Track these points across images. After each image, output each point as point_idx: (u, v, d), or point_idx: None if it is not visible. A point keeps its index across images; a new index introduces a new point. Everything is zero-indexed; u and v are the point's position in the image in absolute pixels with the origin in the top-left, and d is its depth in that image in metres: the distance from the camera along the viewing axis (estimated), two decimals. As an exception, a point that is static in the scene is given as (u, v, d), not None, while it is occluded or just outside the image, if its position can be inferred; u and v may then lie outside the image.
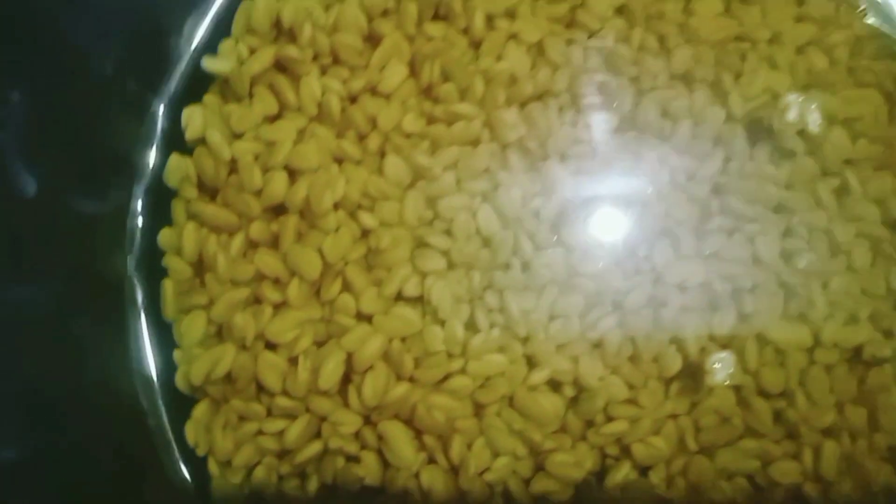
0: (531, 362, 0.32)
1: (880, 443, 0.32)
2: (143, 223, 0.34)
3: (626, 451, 0.32)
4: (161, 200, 0.34)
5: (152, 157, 0.35)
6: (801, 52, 0.35)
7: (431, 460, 0.32)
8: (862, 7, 0.36)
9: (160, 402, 0.34)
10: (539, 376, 0.32)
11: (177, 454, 0.33)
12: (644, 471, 0.32)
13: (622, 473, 0.31)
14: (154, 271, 0.34)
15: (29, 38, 0.28)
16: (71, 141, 0.31)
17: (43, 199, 0.29)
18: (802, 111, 0.34)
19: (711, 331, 0.32)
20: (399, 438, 0.31)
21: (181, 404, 0.33)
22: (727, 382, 0.32)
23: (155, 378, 0.34)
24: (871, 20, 0.37)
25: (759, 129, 0.34)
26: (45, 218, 0.29)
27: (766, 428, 0.32)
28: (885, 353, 0.32)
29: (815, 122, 0.34)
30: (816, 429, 0.32)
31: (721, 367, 0.32)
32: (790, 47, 0.35)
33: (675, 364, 0.32)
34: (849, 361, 0.33)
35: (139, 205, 0.34)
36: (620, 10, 0.34)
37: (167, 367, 0.34)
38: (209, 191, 0.34)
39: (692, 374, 0.32)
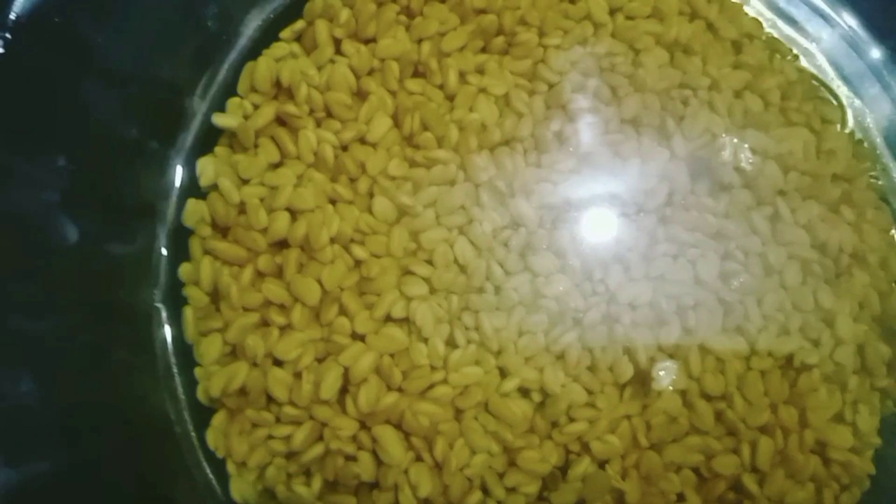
0: (503, 373, 0.34)
1: (809, 438, 0.34)
2: (167, 260, 0.36)
3: (585, 448, 0.34)
4: (181, 239, 0.36)
5: (173, 202, 0.36)
6: (738, 96, 0.37)
7: (418, 458, 0.33)
8: (792, 54, 0.39)
9: (185, 412, 0.35)
10: (510, 385, 0.33)
11: (200, 457, 0.35)
12: (602, 464, 0.33)
13: (583, 467, 0.33)
14: (177, 300, 0.35)
15: (68, 112, 0.30)
16: (105, 194, 0.33)
17: (82, 245, 0.31)
18: (738, 149, 0.36)
19: (659, 343, 0.34)
20: (390, 440, 0.32)
21: (202, 414, 0.35)
22: (673, 387, 0.34)
23: (180, 392, 0.36)
24: (802, 64, 0.39)
25: (700, 166, 0.36)
26: (85, 260, 0.32)
27: (709, 426, 0.34)
28: (813, 360, 0.35)
29: (749, 158, 0.36)
30: (753, 427, 0.34)
31: (668, 374, 0.34)
32: (728, 92, 0.37)
33: (627, 372, 0.34)
34: (781, 368, 0.35)
35: (163, 244, 0.36)
36: (576, 64, 0.36)
37: (190, 383, 0.35)
38: (222, 230, 0.35)
39: (643, 381, 0.34)
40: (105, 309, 0.33)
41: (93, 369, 0.32)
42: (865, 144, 0.40)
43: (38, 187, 0.30)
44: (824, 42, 0.40)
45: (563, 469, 0.34)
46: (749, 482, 0.34)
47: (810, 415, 0.35)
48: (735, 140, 0.36)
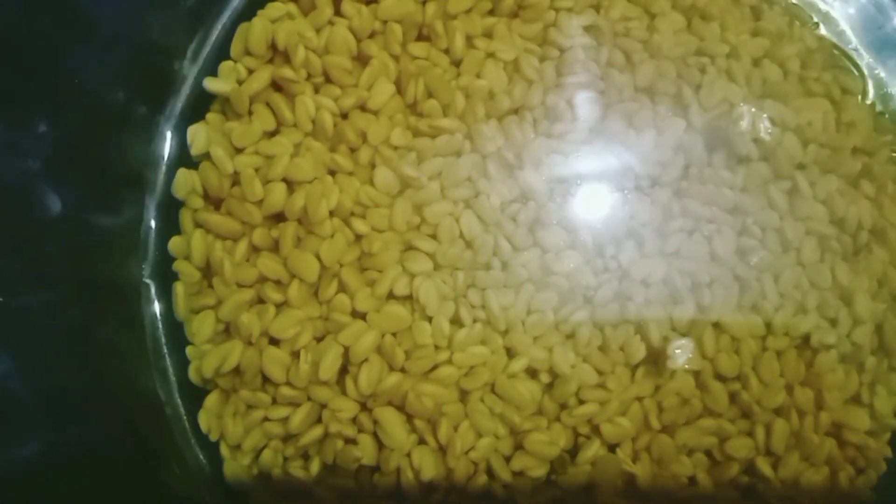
0: (510, 353, 0.33)
1: (825, 420, 0.34)
2: (156, 233, 0.35)
3: (596, 431, 0.33)
4: (171, 211, 0.35)
5: (162, 172, 0.35)
6: (756, 64, 0.36)
7: (422, 441, 0.32)
8: (813, 21, 0.38)
9: (176, 393, 0.35)
10: (517, 365, 0.33)
11: (192, 440, 0.34)
12: (612, 448, 0.33)
13: (592, 450, 0.32)
14: (166, 276, 0.34)
15: (51, 76, 0.29)
16: (89, 163, 0.32)
17: (66, 216, 0.30)
18: (757, 120, 0.35)
19: (673, 321, 0.33)
20: (392, 422, 0.32)
21: (194, 395, 0.34)
22: (687, 367, 0.33)
23: (170, 372, 0.35)
24: (822, 32, 0.38)
25: (717, 137, 0.35)
26: (69, 232, 0.31)
27: (723, 408, 0.33)
28: (830, 339, 0.34)
29: (768, 129, 0.35)
30: (768, 408, 0.33)
31: (681, 354, 0.33)
32: (746, 60, 0.36)
33: (639, 352, 0.33)
34: (797, 347, 0.35)
35: (151, 216, 0.35)
36: (589, 29, 0.35)
37: (181, 362, 0.34)
38: (214, 201, 0.34)
39: (655, 361, 0.33)
40: (90, 284, 0.32)
41: (78, 348, 0.31)
42: (887, 116, 0.39)
43: (19, 154, 0.29)
44: (846, 9, 0.39)
45: (572, 452, 0.33)
46: (763, 465, 0.33)
47: (826, 396, 0.34)
48: (753, 110, 0.35)
